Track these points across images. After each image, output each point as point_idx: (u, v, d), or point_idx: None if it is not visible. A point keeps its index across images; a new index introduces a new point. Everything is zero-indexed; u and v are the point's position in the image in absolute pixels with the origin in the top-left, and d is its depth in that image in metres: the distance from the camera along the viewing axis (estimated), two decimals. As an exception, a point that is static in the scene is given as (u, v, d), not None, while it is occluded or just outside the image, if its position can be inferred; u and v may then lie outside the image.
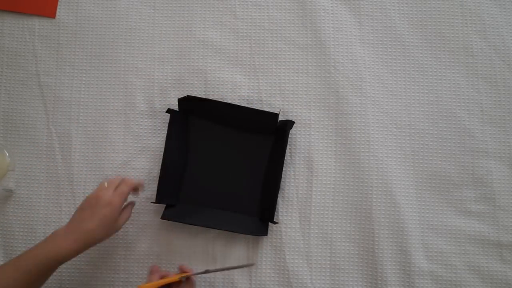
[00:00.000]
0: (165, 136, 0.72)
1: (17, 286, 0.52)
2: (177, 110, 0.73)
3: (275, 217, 0.70)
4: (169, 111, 0.72)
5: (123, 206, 0.60)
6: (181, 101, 0.72)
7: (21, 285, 0.52)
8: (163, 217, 0.69)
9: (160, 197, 0.70)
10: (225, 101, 0.75)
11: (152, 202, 0.69)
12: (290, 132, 0.73)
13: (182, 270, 0.64)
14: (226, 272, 0.70)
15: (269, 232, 0.71)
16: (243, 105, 0.74)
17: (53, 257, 0.54)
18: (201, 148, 0.74)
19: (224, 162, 0.73)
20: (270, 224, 0.70)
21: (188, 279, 0.63)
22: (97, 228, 0.56)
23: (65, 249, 0.54)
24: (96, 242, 0.57)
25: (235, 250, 0.71)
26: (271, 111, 0.72)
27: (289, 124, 0.72)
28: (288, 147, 0.73)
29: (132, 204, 0.64)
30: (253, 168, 0.73)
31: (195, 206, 0.72)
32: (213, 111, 0.73)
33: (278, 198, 0.71)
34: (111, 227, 0.58)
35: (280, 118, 0.73)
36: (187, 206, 0.72)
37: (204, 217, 0.71)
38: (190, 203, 0.72)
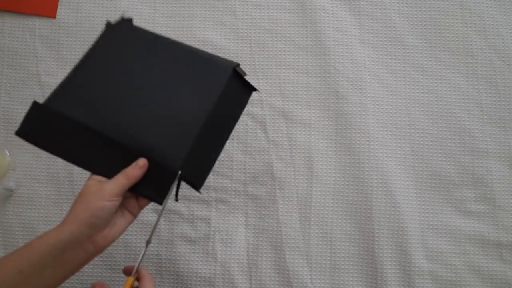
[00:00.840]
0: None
1: (31, 269, 0.45)
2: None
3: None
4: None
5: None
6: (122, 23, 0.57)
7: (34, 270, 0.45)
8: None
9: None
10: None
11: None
12: (290, 132, 0.73)
13: (127, 272, 0.52)
14: (226, 272, 0.70)
15: (269, 232, 0.71)
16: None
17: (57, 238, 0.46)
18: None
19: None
20: (270, 222, 0.70)
21: (140, 279, 0.50)
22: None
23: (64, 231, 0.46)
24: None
25: (235, 250, 0.71)
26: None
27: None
28: (288, 147, 0.73)
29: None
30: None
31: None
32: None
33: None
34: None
35: (279, 116, 0.73)
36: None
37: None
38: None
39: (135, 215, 0.51)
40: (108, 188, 0.46)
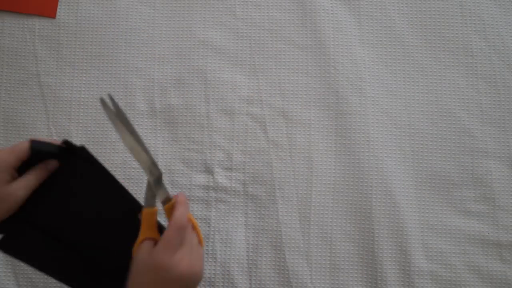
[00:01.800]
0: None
1: None
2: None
3: None
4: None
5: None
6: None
7: None
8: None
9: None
10: (225, 101, 0.75)
11: None
12: (290, 132, 0.74)
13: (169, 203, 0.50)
14: (226, 272, 0.70)
15: (269, 232, 0.71)
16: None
17: None
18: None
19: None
20: (270, 222, 0.70)
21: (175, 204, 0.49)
22: None
23: None
24: None
25: (235, 250, 0.71)
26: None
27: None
28: (288, 147, 0.73)
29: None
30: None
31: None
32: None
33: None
34: None
35: (279, 116, 0.73)
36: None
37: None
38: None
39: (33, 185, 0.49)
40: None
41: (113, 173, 0.55)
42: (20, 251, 0.52)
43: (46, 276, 0.70)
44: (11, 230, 0.51)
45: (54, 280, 0.70)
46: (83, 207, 0.54)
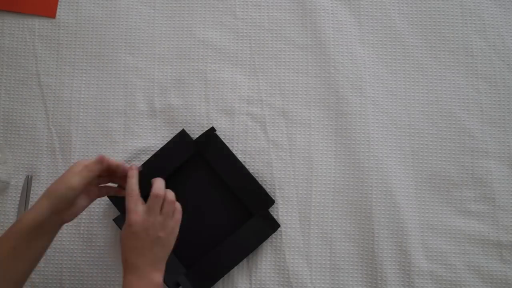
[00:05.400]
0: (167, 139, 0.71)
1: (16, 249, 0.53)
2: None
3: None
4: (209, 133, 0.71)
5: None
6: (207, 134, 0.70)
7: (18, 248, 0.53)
8: None
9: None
10: (225, 101, 0.75)
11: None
12: (290, 132, 0.73)
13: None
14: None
15: (269, 232, 0.71)
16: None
17: (22, 219, 0.54)
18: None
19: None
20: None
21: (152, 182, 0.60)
22: (54, 182, 0.56)
23: (31, 208, 0.54)
24: (55, 199, 0.54)
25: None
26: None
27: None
28: (288, 147, 0.73)
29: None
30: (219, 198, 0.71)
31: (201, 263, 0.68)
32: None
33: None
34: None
35: (279, 117, 0.73)
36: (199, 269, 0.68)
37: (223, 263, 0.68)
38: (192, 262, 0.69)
39: (91, 200, 0.60)
40: (75, 179, 0.55)
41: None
42: None
43: (46, 276, 0.70)
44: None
45: (54, 280, 0.70)
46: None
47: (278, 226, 0.70)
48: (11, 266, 0.52)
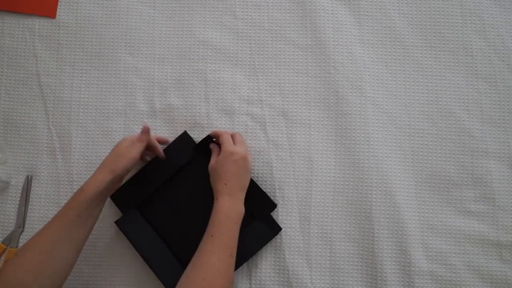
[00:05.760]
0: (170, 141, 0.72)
1: (68, 222, 0.57)
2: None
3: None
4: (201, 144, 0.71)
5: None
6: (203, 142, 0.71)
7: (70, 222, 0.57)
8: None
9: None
10: (225, 101, 0.75)
11: None
12: (290, 132, 0.73)
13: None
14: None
15: (269, 232, 0.71)
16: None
17: (85, 190, 0.59)
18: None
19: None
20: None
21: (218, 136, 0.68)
22: (111, 157, 0.63)
23: (92, 180, 0.60)
24: (119, 170, 0.62)
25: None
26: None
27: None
28: (288, 147, 0.73)
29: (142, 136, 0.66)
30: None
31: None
32: None
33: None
34: (123, 157, 0.63)
35: (279, 118, 0.73)
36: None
37: None
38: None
39: (134, 166, 0.66)
40: (133, 151, 0.63)
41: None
42: (130, 231, 0.69)
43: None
44: (129, 214, 0.69)
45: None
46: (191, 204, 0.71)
47: (280, 229, 0.70)
48: (75, 233, 0.58)
